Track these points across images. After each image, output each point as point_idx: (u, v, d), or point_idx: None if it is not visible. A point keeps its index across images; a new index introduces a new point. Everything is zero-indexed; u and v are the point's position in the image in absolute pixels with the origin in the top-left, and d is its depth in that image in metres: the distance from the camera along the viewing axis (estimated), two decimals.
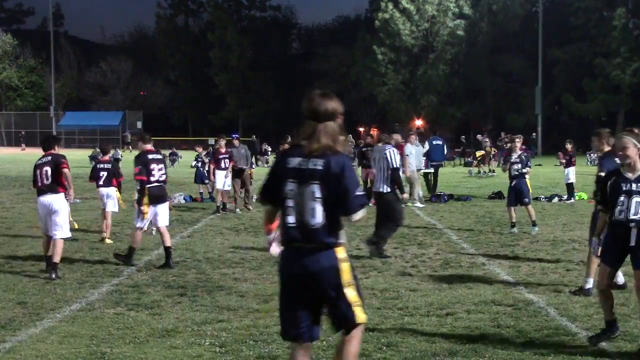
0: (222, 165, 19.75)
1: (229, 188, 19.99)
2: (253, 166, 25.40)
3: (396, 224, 12.80)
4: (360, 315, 4.99)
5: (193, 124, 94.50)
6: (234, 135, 21.31)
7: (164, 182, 11.94)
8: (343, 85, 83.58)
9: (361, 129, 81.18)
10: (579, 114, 74.17)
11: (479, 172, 38.24)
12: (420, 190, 22.32)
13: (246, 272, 11.01)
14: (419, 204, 21.36)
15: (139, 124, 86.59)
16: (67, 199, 11.07)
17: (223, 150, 20.02)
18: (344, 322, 4.99)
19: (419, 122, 71.56)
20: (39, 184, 10.90)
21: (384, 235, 12.57)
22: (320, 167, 4.83)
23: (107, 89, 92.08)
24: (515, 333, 7.58)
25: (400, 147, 22.85)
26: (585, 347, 7.11)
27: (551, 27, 66.41)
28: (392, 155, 12.55)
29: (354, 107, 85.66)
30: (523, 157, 15.66)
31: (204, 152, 24.30)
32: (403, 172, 21.05)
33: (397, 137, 13.45)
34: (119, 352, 6.95)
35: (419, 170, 22.91)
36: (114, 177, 14.53)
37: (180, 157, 50.31)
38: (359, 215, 4.89)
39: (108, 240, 13.99)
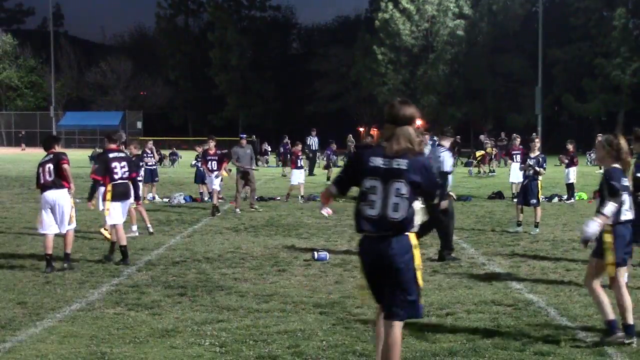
0: (210, 166, 20.08)
1: (219, 188, 20.08)
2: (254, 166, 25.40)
3: (428, 227, 12.19)
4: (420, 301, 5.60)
5: (193, 124, 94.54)
6: (241, 135, 21.58)
7: (128, 179, 12.21)
8: (343, 86, 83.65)
9: (361, 129, 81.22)
10: (579, 114, 74.17)
11: (479, 172, 38.25)
12: None
13: (246, 272, 11.00)
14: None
15: (139, 124, 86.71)
16: (70, 193, 11.27)
17: (212, 151, 20.30)
18: (404, 309, 5.48)
19: (419, 122, 71.48)
20: (42, 181, 11.13)
21: (446, 237, 12.31)
22: (404, 167, 5.39)
23: (107, 89, 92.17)
24: (516, 333, 7.58)
25: None
26: (585, 347, 7.11)
27: (551, 27, 66.39)
28: (446, 158, 12.41)
29: (353, 107, 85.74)
30: (540, 158, 15.89)
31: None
32: None
33: (448, 140, 13.17)
34: (119, 352, 6.95)
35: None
36: None
37: (180, 157, 50.35)
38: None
39: (108, 235, 13.86)
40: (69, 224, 11.26)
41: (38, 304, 8.89)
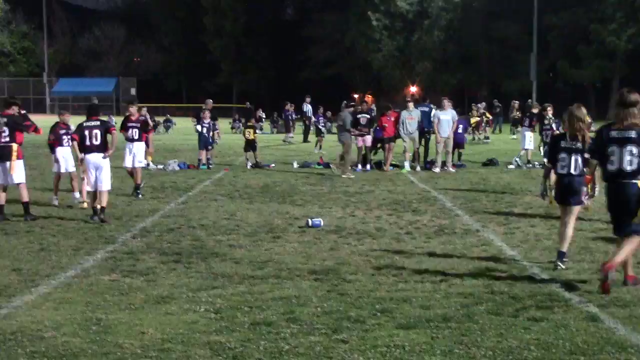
0: (131, 135, 17.07)
1: (140, 165, 17.03)
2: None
3: None
4: None
5: (187, 91, 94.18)
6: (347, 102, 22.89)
7: (8, 143, 12.84)
8: (337, 52, 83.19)
9: (356, 96, 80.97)
10: (573, 80, 73.92)
11: (474, 138, 38.22)
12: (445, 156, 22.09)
13: (241, 239, 11.02)
14: (449, 168, 21.82)
15: (133, 91, 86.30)
16: (107, 156, 12.86)
17: (134, 117, 17.35)
18: (636, 229, 7.94)
19: (413, 89, 71.38)
20: (87, 143, 12.76)
21: None
22: (633, 135, 7.89)
23: (101, 55, 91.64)
24: (509, 299, 7.62)
25: (393, 114, 22.82)
26: (578, 312, 7.15)
27: None
28: None
29: (348, 73, 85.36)
30: (553, 123, 16.31)
31: (208, 116, 23.60)
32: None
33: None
34: (114, 318, 6.97)
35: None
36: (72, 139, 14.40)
37: (175, 124, 50.20)
38: None
39: (84, 205, 13.96)
40: (106, 183, 12.77)
41: (33, 270, 8.90)
